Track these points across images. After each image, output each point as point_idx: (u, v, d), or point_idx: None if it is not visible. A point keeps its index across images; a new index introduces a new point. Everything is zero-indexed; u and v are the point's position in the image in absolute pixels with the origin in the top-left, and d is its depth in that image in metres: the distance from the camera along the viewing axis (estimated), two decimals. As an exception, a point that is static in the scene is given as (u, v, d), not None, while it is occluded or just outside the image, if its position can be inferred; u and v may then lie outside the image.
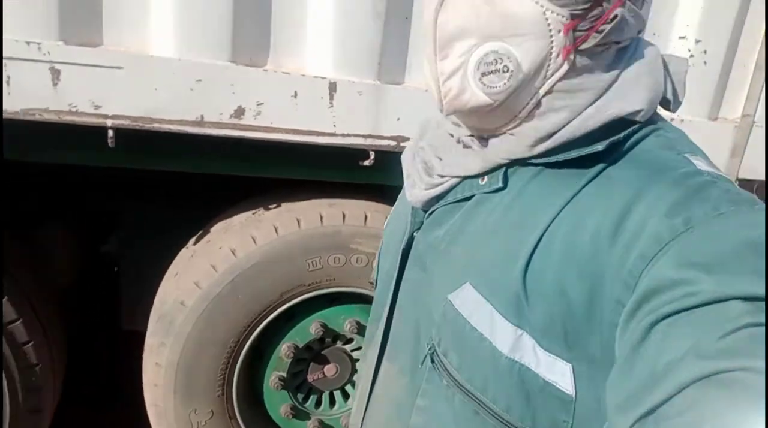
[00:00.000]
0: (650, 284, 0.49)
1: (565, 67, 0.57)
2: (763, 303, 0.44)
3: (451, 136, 0.69)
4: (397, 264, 0.74)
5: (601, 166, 0.58)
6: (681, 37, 1.71)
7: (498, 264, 0.60)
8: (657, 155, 0.58)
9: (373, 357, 0.78)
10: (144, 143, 1.47)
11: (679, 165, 0.56)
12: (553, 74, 0.57)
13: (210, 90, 1.43)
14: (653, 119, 0.62)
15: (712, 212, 0.50)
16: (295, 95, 1.49)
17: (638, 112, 0.59)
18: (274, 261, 1.75)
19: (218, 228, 1.85)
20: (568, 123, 0.59)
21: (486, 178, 0.65)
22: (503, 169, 0.63)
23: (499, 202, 0.63)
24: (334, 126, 1.54)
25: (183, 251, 1.90)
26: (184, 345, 1.76)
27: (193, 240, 1.89)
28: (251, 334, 1.81)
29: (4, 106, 1.35)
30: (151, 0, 1.38)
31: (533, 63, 0.56)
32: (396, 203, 0.86)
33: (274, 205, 1.82)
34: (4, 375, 1.70)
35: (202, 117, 1.45)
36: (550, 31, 0.55)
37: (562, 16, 0.55)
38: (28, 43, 1.31)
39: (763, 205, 0.52)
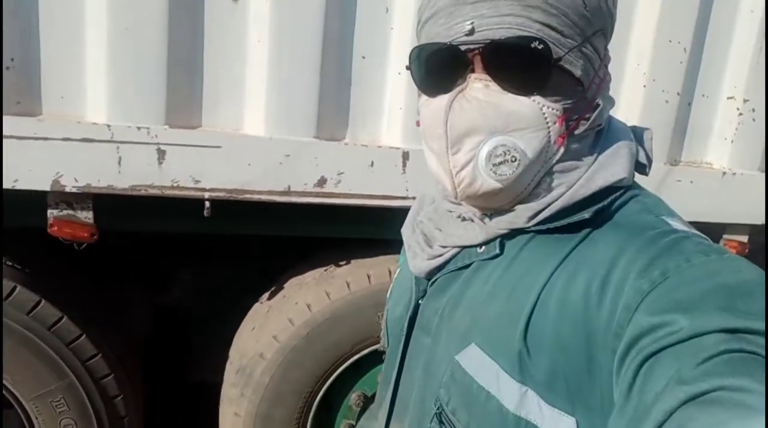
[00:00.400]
0: (635, 330, 0.53)
1: (561, 151, 0.65)
2: (738, 334, 0.48)
3: (450, 212, 0.74)
4: (404, 331, 0.79)
5: (587, 230, 0.65)
6: (729, 98, 1.81)
7: (500, 325, 0.64)
8: (636, 218, 0.64)
9: (383, 417, 0.82)
10: (236, 212, 1.61)
11: (657, 225, 0.62)
12: (551, 158, 0.65)
13: (296, 163, 1.58)
14: (632, 187, 0.69)
15: (684, 263, 0.55)
16: (372, 164, 1.63)
17: (621, 179, 0.67)
18: (347, 315, 1.86)
19: (292, 285, 1.97)
20: (562, 195, 0.66)
21: (484, 247, 0.70)
22: (499, 237, 0.69)
23: (496, 267, 0.69)
24: (407, 190, 1.67)
25: (257, 306, 2.03)
26: (263, 396, 1.87)
27: (266, 296, 2.01)
28: (324, 384, 1.92)
29: (114, 184, 1.50)
30: (245, 86, 1.54)
31: (535, 151, 0.63)
32: (398, 273, 0.91)
33: (345, 262, 1.94)
34: (96, 425, 1.82)
35: (289, 187, 1.59)
36: (547, 123, 0.63)
37: (556, 110, 0.63)
38: (138, 128, 1.48)
39: (731, 253, 0.58)
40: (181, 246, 2.16)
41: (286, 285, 2.00)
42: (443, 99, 0.64)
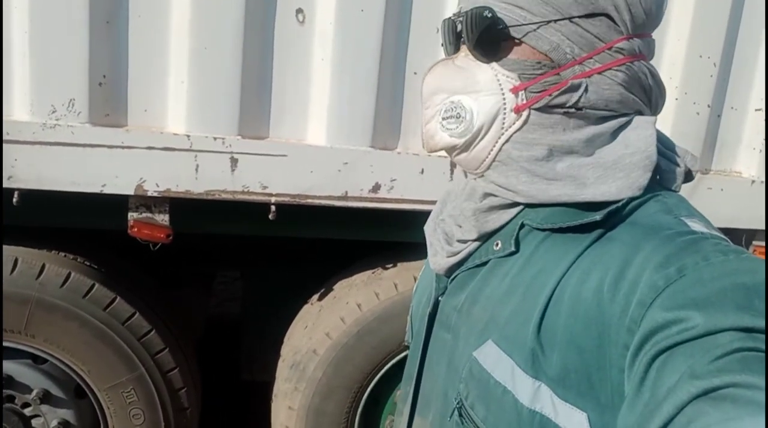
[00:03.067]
0: (649, 326, 0.54)
1: (520, 120, 0.67)
2: (753, 333, 0.49)
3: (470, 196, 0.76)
4: (425, 327, 0.81)
5: (602, 229, 0.65)
6: (757, 110, 1.95)
7: (515, 322, 0.66)
8: (654, 218, 0.64)
9: (406, 412, 0.85)
10: (296, 216, 1.78)
11: (674, 226, 0.63)
12: (510, 127, 0.68)
13: (353, 170, 1.75)
14: (653, 187, 0.68)
15: (702, 261, 0.56)
16: (422, 172, 1.79)
17: (609, 202, 0.65)
18: (395, 314, 2.01)
19: (342, 286, 2.14)
20: (529, 172, 0.68)
21: (500, 244, 0.72)
22: (515, 234, 0.71)
23: (513, 265, 0.70)
24: (453, 196, 1.83)
25: (308, 307, 2.19)
26: (315, 390, 2.02)
27: (316, 297, 2.18)
28: (372, 380, 2.06)
29: (192, 189, 1.69)
30: (309, 100, 1.72)
31: (487, 114, 0.67)
32: (422, 270, 0.95)
33: (391, 265, 2.10)
34: (161, 415, 1.99)
35: (346, 192, 1.76)
36: (502, 90, 0.67)
37: (512, 79, 0.67)
38: (215, 138, 1.66)
39: (749, 253, 0.59)
40: (235, 251, 2.34)
41: (335, 287, 2.16)
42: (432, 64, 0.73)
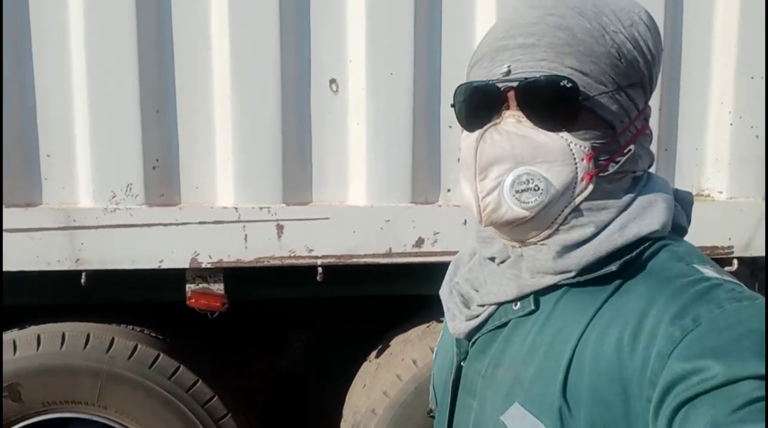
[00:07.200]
0: (669, 377, 0.57)
1: (590, 188, 0.70)
2: None
3: (492, 260, 0.79)
4: (449, 395, 0.83)
5: (618, 282, 0.68)
6: None
7: (540, 383, 0.68)
8: (667, 267, 0.68)
9: None
10: (344, 276, 1.89)
11: (688, 273, 0.66)
12: (579, 194, 0.70)
13: (395, 227, 1.85)
14: (663, 237, 0.72)
15: (716, 309, 0.59)
16: (465, 223, 1.87)
17: (655, 231, 0.70)
18: (452, 368, 2.05)
19: (398, 342, 2.21)
20: (594, 236, 0.70)
21: (519, 304, 0.74)
22: (533, 294, 0.73)
23: (534, 324, 0.73)
24: (500, 245, 1.88)
25: (366, 365, 2.27)
26: (377, 451, 2.08)
27: (374, 354, 2.26)
28: (434, 438, 2.10)
29: (242, 257, 1.84)
30: (348, 163, 1.85)
31: (561, 184, 0.69)
32: (441, 335, 0.96)
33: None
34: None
35: (390, 249, 1.86)
36: (575, 159, 0.69)
37: (584, 148, 0.69)
38: (261, 208, 1.82)
39: (763, 299, 0.62)
40: (295, 314, 2.47)
41: (392, 343, 2.23)
42: (479, 132, 0.72)
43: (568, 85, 0.67)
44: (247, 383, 2.38)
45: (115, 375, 2.01)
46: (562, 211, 0.70)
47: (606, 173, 0.70)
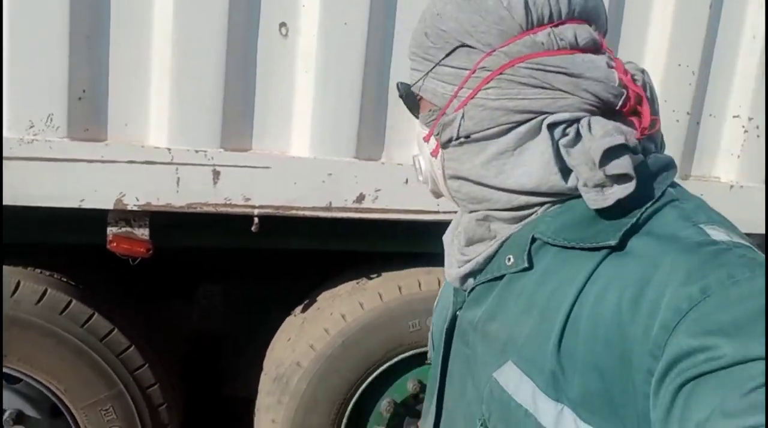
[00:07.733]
0: (673, 352, 0.54)
1: (440, 160, 0.79)
2: None
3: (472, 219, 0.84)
4: (444, 342, 0.85)
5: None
6: (735, 116, 2.08)
7: (534, 343, 0.67)
8: (672, 227, 0.64)
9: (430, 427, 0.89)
10: (281, 227, 1.85)
11: (694, 236, 0.62)
12: (440, 166, 0.79)
13: (338, 181, 1.82)
14: (670, 191, 0.69)
15: (727, 280, 0.55)
16: (407, 182, 1.87)
17: (624, 220, 0.65)
18: (380, 324, 2.09)
19: (326, 297, 2.21)
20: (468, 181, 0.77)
21: (512, 259, 0.74)
22: (527, 248, 0.72)
23: (528, 282, 0.72)
24: (438, 205, 1.91)
25: (291, 319, 2.26)
26: (299, 403, 2.09)
27: (300, 308, 2.25)
28: (356, 391, 2.14)
29: (173, 202, 1.74)
30: (292, 112, 1.79)
31: (426, 161, 0.83)
32: (443, 285, 0.98)
33: (375, 275, 2.18)
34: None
35: (330, 203, 1.83)
36: (424, 141, 0.81)
37: (424, 129, 0.80)
38: (196, 151, 1.72)
39: None
40: (214, 266, 2.40)
41: (319, 298, 2.23)
42: None
43: (401, 86, 0.81)
44: (163, 335, 2.30)
45: (20, 321, 1.87)
46: (446, 181, 0.80)
47: (442, 141, 0.76)
